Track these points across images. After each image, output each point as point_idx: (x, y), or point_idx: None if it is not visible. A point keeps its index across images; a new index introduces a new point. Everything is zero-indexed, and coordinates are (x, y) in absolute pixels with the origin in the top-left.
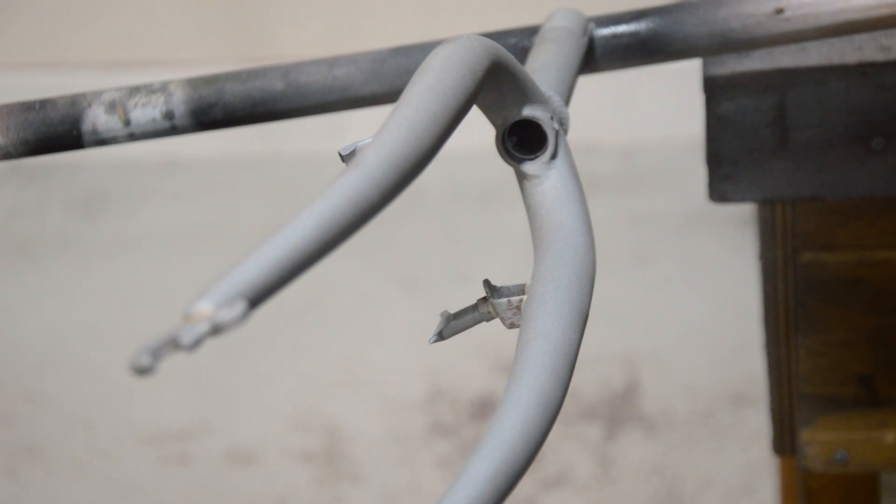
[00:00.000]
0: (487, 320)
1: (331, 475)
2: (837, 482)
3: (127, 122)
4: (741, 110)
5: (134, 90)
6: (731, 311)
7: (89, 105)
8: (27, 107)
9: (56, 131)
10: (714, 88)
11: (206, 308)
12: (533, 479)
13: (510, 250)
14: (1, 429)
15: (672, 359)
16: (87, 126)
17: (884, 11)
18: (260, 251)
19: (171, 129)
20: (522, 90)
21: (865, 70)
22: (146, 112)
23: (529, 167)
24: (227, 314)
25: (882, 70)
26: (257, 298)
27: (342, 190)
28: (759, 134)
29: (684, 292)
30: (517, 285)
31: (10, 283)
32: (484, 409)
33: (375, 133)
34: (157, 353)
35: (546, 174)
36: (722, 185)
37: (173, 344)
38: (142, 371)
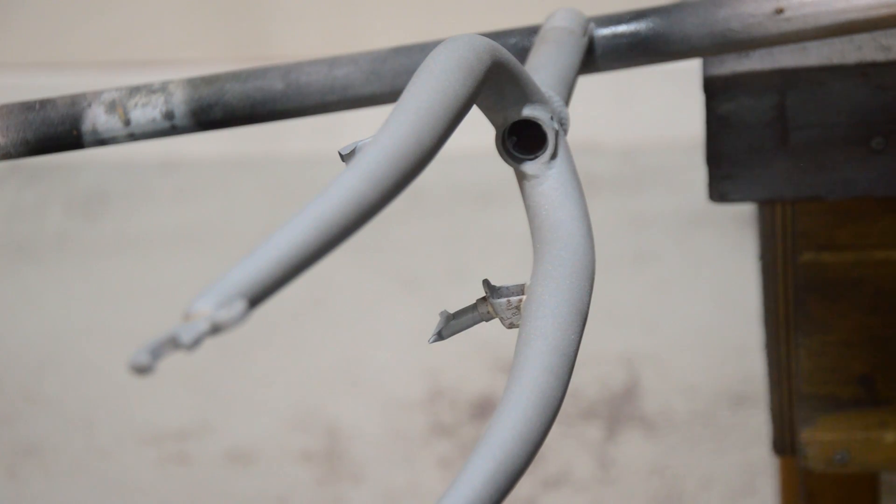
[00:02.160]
0: (487, 320)
1: (331, 475)
2: (837, 482)
3: (127, 122)
4: (741, 110)
5: (134, 90)
6: (731, 311)
7: (89, 105)
8: (27, 107)
9: (56, 131)
10: (714, 88)
11: (205, 307)
12: (533, 479)
13: (510, 250)
14: (1, 429)
15: (672, 359)
16: (87, 126)
17: (884, 11)
18: (260, 251)
19: (171, 129)
20: (522, 90)
21: (865, 70)
22: (146, 112)
23: (529, 167)
24: (226, 313)
25: (882, 70)
26: (257, 298)
27: (342, 190)
28: (759, 134)
29: (684, 292)
30: (517, 285)
31: (10, 283)
32: (484, 409)
33: (375, 133)
34: (157, 352)
35: (546, 174)
36: (722, 184)
37: (173, 343)
38: (141, 370)
